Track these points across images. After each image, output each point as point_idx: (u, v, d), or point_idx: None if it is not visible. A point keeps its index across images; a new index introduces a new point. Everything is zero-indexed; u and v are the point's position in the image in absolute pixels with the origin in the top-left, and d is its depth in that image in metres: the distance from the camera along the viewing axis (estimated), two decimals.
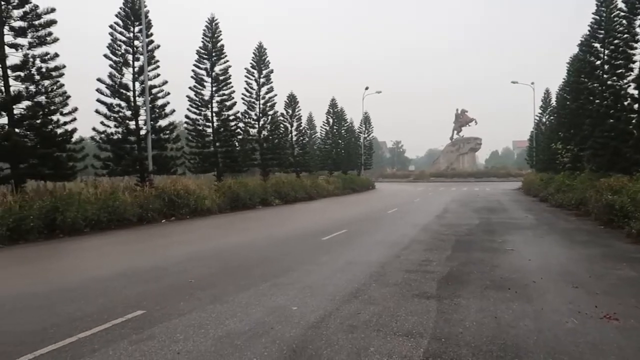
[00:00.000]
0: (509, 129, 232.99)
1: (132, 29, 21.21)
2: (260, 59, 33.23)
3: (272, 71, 33.55)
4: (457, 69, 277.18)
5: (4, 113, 15.63)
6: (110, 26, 20.91)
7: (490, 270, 8.34)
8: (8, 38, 15.80)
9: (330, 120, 51.60)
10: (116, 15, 21.03)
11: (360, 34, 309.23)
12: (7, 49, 15.71)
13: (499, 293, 6.73)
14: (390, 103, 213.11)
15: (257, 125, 33.76)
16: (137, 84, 21.36)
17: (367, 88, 51.84)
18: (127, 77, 21.24)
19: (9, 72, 15.70)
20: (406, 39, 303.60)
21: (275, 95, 34.01)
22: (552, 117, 39.38)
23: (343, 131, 53.37)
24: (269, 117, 34.36)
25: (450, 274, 8.03)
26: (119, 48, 21.05)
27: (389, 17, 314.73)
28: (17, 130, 15.75)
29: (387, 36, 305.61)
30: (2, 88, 15.58)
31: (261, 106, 33.61)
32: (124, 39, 21.13)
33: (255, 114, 33.57)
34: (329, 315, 5.73)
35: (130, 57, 21.23)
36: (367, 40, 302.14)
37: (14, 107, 15.74)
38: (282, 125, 38.27)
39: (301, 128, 42.68)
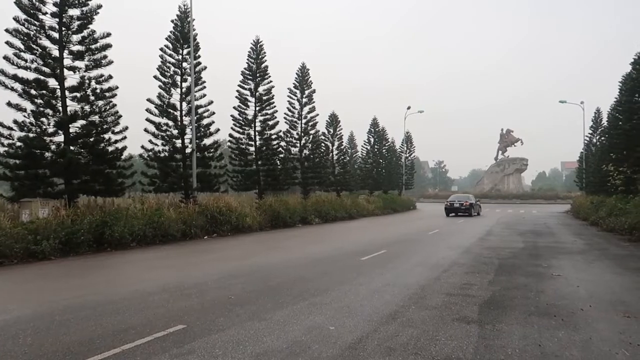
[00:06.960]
0: (557, 150, 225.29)
1: (181, 51, 22.12)
2: (302, 79, 33.82)
3: (314, 91, 34.06)
4: (502, 88, 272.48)
5: (60, 131, 16.52)
6: (161, 49, 21.89)
7: (534, 296, 8.04)
8: (67, 61, 16.76)
9: (372, 140, 51.49)
10: (166, 39, 22.02)
11: (401, 59, 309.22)
12: (66, 72, 16.65)
13: (543, 320, 6.48)
14: (433, 123, 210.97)
15: (298, 144, 34.20)
16: (184, 104, 22.18)
17: (409, 107, 51.77)
18: (175, 97, 22.13)
19: (66, 93, 16.59)
20: (447, 62, 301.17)
21: (317, 115, 34.49)
22: (603, 138, 37.81)
23: (384, 151, 53.15)
24: (311, 136, 34.76)
25: (493, 298, 7.80)
26: (168, 70, 21.98)
27: (430, 42, 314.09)
28: (71, 147, 16.57)
29: (428, 59, 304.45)
30: (60, 108, 16.48)
31: (303, 125, 34.08)
32: (173, 60, 22.06)
33: (297, 133, 34.05)
34: (367, 336, 5.68)
35: (178, 78, 22.11)
36: (407, 64, 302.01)
37: (70, 126, 16.61)
38: (323, 144, 38.58)
39: (342, 147, 42.88)
